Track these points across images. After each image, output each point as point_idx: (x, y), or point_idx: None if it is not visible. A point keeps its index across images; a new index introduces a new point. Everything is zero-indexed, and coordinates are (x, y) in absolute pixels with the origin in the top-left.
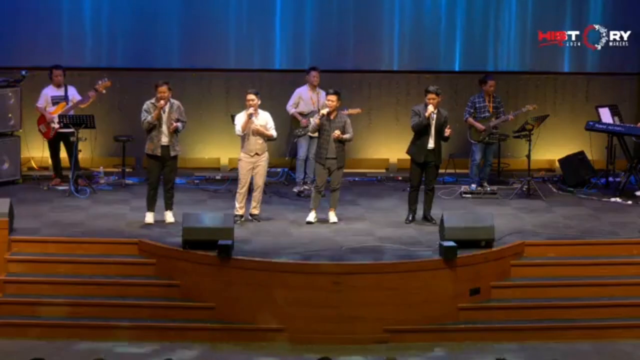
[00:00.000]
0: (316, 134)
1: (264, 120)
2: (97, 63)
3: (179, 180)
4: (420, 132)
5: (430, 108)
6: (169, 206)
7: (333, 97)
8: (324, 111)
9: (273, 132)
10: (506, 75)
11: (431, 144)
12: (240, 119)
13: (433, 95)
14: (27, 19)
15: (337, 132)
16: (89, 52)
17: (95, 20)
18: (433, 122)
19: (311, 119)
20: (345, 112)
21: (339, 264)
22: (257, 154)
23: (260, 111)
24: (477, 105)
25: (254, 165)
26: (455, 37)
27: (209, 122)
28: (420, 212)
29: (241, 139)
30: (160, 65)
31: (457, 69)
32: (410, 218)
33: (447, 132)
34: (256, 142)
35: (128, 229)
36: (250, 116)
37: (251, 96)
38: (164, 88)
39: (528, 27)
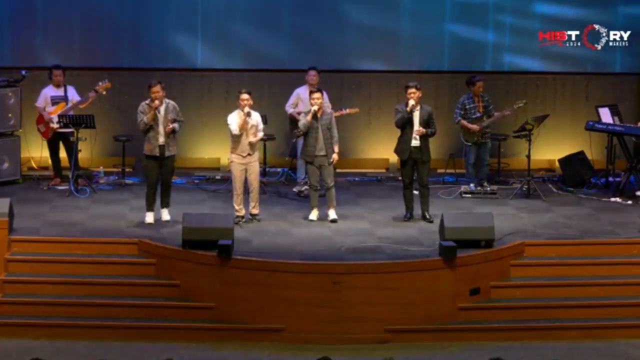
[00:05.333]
0: None
1: (256, 120)
2: (97, 63)
3: (179, 180)
4: (404, 128)
5: (411, 102)
6: (165, 204)
7: (318, 95)
8: (315, 108)
9: (260, 134)
10: (506, 75)
11: (416, 141)
12: (234, 118)
13: (413, 90)
14: (27, 18)
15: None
16: (89, 52)
17: (96, 20)
18: (416, 118)
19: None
20: (345, 111)
21: (339, 264)
22: (249, 154)
23: (251, 111)
24: (467, 107)
25: (246, 167)
26: (455, 37)
27: (209, 122)
28: (419, 212)
29: (233, 140)
30: (160, 65)
31: (457, 68)
32: (408, 215)
33: (422, 131)
34: (250, 143)
35: (128, 229)
36: (248, 115)
37: (246, 95)
38: (157, 88)
39: (528, 27)
